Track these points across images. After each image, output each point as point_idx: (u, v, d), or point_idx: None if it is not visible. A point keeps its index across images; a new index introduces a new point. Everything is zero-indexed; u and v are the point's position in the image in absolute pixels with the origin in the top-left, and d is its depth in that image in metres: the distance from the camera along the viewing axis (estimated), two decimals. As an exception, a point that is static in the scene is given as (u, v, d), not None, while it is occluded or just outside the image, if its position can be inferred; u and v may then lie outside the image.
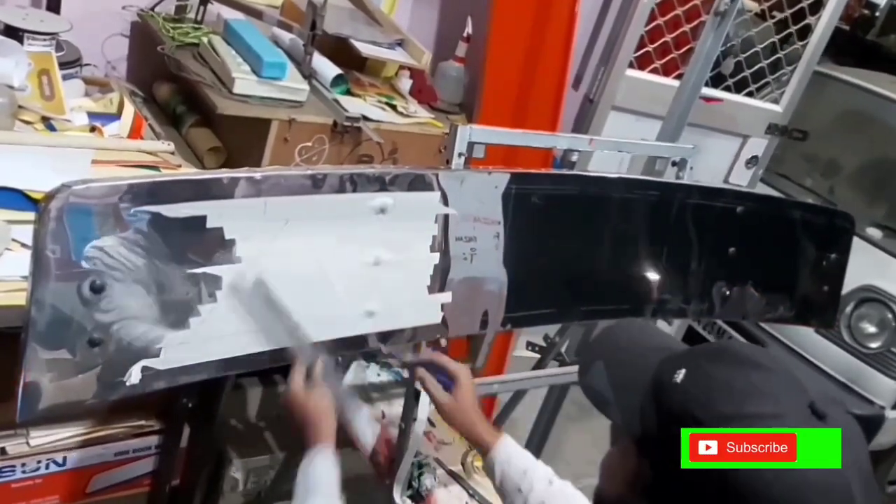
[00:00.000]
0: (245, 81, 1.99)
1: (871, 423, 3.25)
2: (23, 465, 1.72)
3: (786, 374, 0.90)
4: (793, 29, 3.10)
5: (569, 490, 1.41)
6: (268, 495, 2.31)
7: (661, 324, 2.18)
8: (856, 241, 2.29)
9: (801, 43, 3.11)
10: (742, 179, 3.23)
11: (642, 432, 0.94)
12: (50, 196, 1.13)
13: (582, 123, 2.79)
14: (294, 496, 1.31)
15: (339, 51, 2.29)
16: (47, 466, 1.75)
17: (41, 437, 1.70)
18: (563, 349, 2.33)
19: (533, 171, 1.69)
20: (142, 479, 1.91)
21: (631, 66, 2.75)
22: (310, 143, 2.03)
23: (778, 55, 3.13)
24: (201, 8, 2.28)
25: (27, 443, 1.69)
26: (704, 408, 0.87)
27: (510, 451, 1.46)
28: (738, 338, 3.54)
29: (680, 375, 0.92)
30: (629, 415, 0.96)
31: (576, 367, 2.19)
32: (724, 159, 3.19)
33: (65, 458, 1.76)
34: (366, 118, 2.11)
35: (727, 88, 3.09)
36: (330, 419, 1.37)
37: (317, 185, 1.37)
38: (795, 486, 0.83)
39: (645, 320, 1.13)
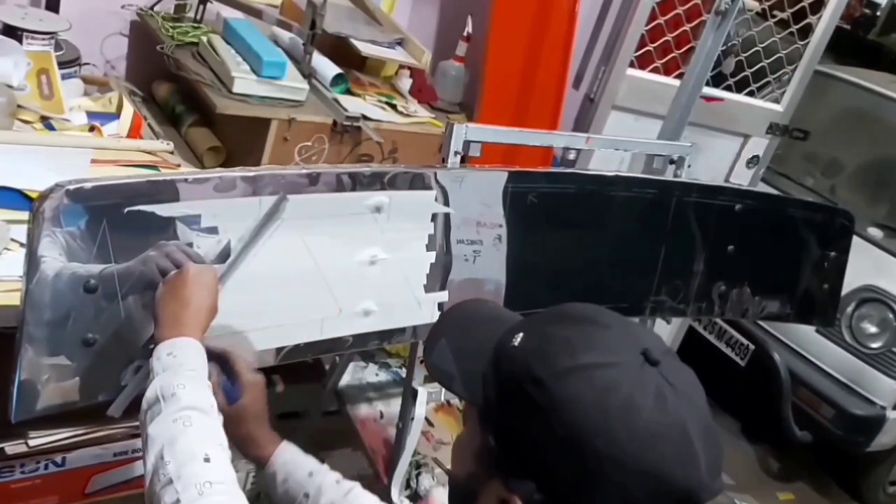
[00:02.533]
0: (244, 81, 1.99)
1: (872, 424, 3.24)
2: (21, 465, 1.71)
3: (620, 327, 0.92)
4: (794, 28, 3.09)
5: (358, 489, 1.29)
6: (268, 495, 2.31)
7: (660, 323, 2.17)
8: (856, 241, 2.28)
9: (801, 42, 3.10)
10: (743, 179, 3.22)
11: (484, 401, 0.93)
12: (44, 196, 1.13)
13: (583, 123, 2.79)
14: (156, 369, 1.10)
15: (339, 50, 2.29)
16: (46, 467, 1.74)
17: (40, 438, 1.70)
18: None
19: (531, 169, 1.69)
20: (141, 479, 1.90)
21: (632, 65, 2.75)
22: (309, 143, 2.03)
23: (779, 54, 3.12)
24: (200, 7, 2.28)
25: (26, 443, 1.68)
26: (542, 365, 0.87)
27: (293, 455, 1.32)
28: (739, 338, 3.53)
29: (518, 339, 0.92)
30: (472, 387, 0.95)
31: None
32: (724, 159, 3.18)
33: (64, 459, 1.76)
34: (366, 118, 2.11)
35: (728, 88, 3.08)
36: (209, 314, 1.20)
37: (312, 183, 1.37)
38: (637, 434, 0.82)
39: (487, 300, 1.10)
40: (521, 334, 0.93)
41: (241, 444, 1.30)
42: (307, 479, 1.29)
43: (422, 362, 1.67)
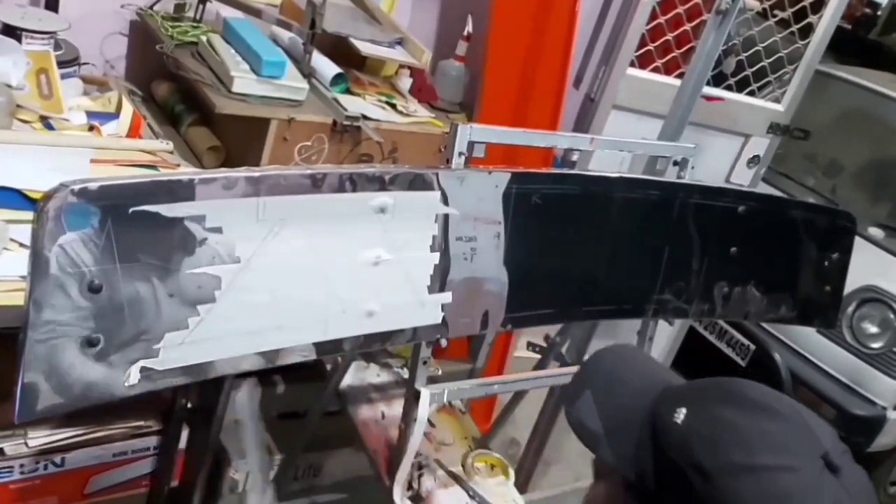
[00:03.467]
0: (244, 80, 1.98)
1: (872, 424, 3.24)
2: (21, 465, 1.71)
3: (798, 421, 0.84)
4: (794, 28, 3.09)
5: None
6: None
7: (661, 324, 2.17)
8: (858, 240, 2.28)
9: (802, 42, 3.10)
10: (743, 179, 3.22)
11: (636, 476, 0.86)
12: (48, 196, 1.12)
13: (583, 123, 2.79)
14: None
15: (339, 49, 2.29)
16: (45, 467, 1.74)
17: (39, 438, 1.70)
18: (563, 349, 2.33)
19: (533, 170, 1.68)
20: (140, 479, 1.90)
21: (632, 64, 2.75)
22: (309, 143, 2.03)
23: (779, 54, 3.12)
24: (200, 6, 2.28)
25: (25, 443, 1.68)
26: (711, 456, 0.80)
27: None
28: (740, 339, 3.53)
29: (681, 415, 0.85)
30: (622, 455, 0.88)
31: (577, 368, 2.20)
32: (725, 159, 3.18)
33: (63, 459, 1.75)
34: (365, 117, 2.11)
35: (728, 87, 3.08)
36: None
37: (316, 184, 1.36)
38: None
39: (635, 346, 1.01)
40: (683, 410, 0.85)
41: None
42: None
43: (425, 363, 1.66)
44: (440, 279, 1.56)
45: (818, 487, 0.78)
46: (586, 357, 1.02)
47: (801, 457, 0.80)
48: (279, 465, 2.32)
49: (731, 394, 0.87)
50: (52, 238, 1.13)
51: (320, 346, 1.43)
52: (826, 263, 2.19)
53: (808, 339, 3.40)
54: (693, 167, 2.00)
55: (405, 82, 2.46)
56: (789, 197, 3.25)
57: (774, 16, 3.09)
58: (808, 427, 0.83)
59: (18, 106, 1.81)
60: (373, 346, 1.56)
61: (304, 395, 2.25)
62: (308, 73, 2.14)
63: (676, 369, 1.28)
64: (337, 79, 2.22)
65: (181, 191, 1.23)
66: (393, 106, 2.27)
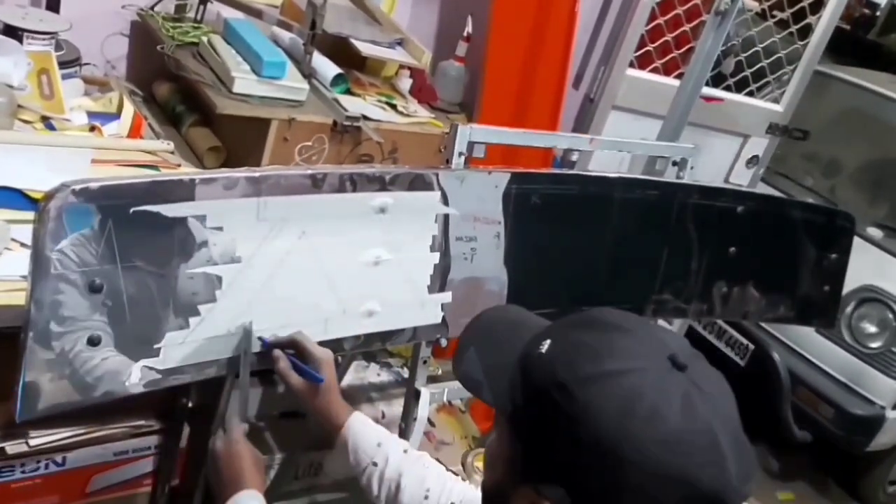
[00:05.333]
0: (245, 81, 1.99)
1: (871, 423, 3.24)
2: (22, 465, 1.71)
3: (646, 332, 0.91)
4: (793, 28, 3.10)
5: (426, 459, 1.36)
6: (267, 495, 2.31)
7: (661, 324, 2.18)
8: (856, 240, 2.28)
9: (801, 42, 3.10)
10: (743, 179, 3.23)
11: (512, 408, 0.92)
12: (49, 196, 1.13)
13: (582, 123, 2.79)
14: None
15: (339, 50, 2.29)
16: (46, 466, 1.74)
17: (40, 438, 1.69)
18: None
19: (533, 170, 1.69)
20: (142, 479, 1.90)
21: (631, 65, 2.75)
22: (310, 143, 2.03)
23: (778, 54, 3.13)
24: (201, 7, 2.28)
25: (26, 443, 1.68)
26: (567, 371, 0.86)
27: (363, 425, 1.37)
28: (739, 338, 3.54)
29: (545, 346, 0.92)
30: (500, 395, 0.94)
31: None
32: (724, 159, 3.19)
33: (64, 459, 1.75)
34: (366, 117, 2.11)
35: (728, 88, 3.09)
36: (255, 464, 1.30)
37: (316, 184, 1.37)
38: (664, 439, 0.82)
39: (518, 306, 1.08)
40: (548, 341, 0.92)
41: (319, 416, 1.38)
42: (375, 448, 1.34)
43: (425, 362, 1.67)
44: (440, 279, 1.57)
45: (665, 382, 0.84)
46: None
47: (646, 359, 0.86)
48: (279, 464, 2.32)
49: (587, 320, 0.95)
50: (53, 238, 1.13)
51: (321, 346, 1.43)
52: (825, 263, 2.20)
53: (808, 338, 3.40)
54: (692, 167, 2.01)
55: (405, 83, 2.46)
56: (788, 197, 3.25)
57: (773, 16, 3.10)
58: (655, 336, 0.91)
59: (20, 106, 1.81)
60: (373, 346, 1.56)
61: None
62: (308, 74, 2.15)
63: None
64: (337, 79, 2.22)
65: (182, 191, 1.24)
66: (393, 106, 2.27)
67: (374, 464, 1.33)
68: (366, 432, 1.36)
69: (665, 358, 0.86)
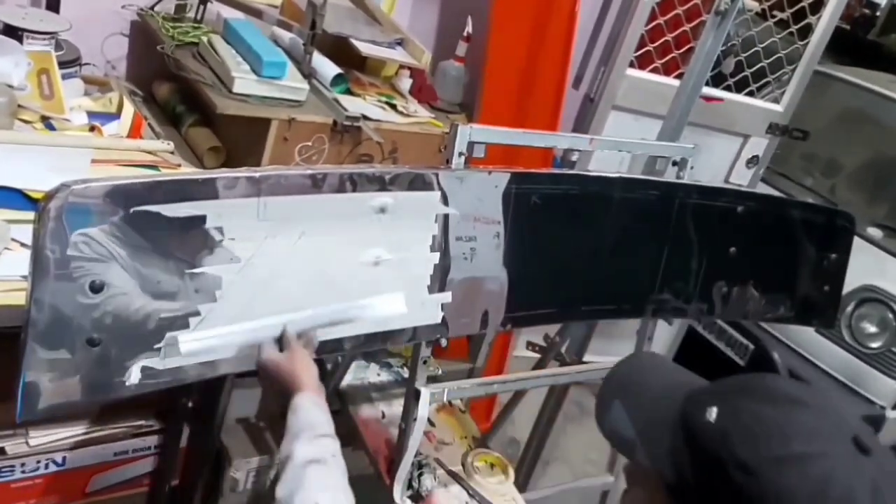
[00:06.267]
0: (245, 81, 1.99)
1: (871, 423, 3.24)
2: (22, 465, 1.71)
3: (827, 408, 0.86)
4: (793, 28, 3.10)
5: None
6: (268, 495, 2.31)
7: (660, 324, 2.18)
8: (856, 240, 2.28)
9: (801, 42, 3.11)
10: (743, 179, 3.23)
11: (676, 478, 0.88)
12: (49, 196, 1.13)
13: (582, 123, 2.80)
14: (284, 438, 1.22)
15: (339, 50, 2.29)
16: (47, 466, 1.74)
17: (40, 437, 1.70)
18: (563, 349, 2.33)
19: (533, 170, 1.69)
20: (141, 478, 1.91)
21: (631, 65, 2.75)
22: (309, 143, 2.03)
23: (778, 54, 3.13)
24: (201, 7, 2.28)
25: (27, 443, 1.69)
26: (750, 450, 0.81)
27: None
28: (739, 338, 3.53)
29: (713, 414, 0.86)
30: (659, 458, 0.90)
31: (576, 367, 2.20)
32: (724, 159, 3.19)
33: (64, 458, 1.76)
34: (366, 117, 2.11)
35: (728, 88, 3.09)
36: (312, 370, 1.31)
37: (316, 184, 1.37)
38: None
39: (654, 352, 1.03)
40: (714, 409, 0.87)
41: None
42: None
43: (425, 362, 1.67)
44: (440, 279, 1.57)
45: (855, 469, 0.80)
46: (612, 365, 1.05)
47: (834, 442, 0.82)
48: (278, 463, 2.32)
49: (758, 388, 0.89)
50: (54, 238, 1.13)
51: (320, 346, 1.43)
52: (825, 263, 2.20)
53: (807, 338, 3.40)
54: (692, 167, 2.01)
55: (405, 83, 2.46)
56: (788, 197, 3.25)
57: (773, 16, 3.10)
58: (836, 413, 0.85)
59: (20, 106, 1.81)
60: (373, 346, 1.56)
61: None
62: (308, 74, 2.15)
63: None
64: (337, 79, 2.22)
65: (182, 191, 1.24)
66: (393, 106, 2.27)
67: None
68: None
69: (850, 440, 0.82)
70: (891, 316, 3.29)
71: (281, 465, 1.17)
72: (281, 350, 1.34)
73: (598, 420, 1.00)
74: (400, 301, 1.50)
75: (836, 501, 0.78)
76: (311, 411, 1.24)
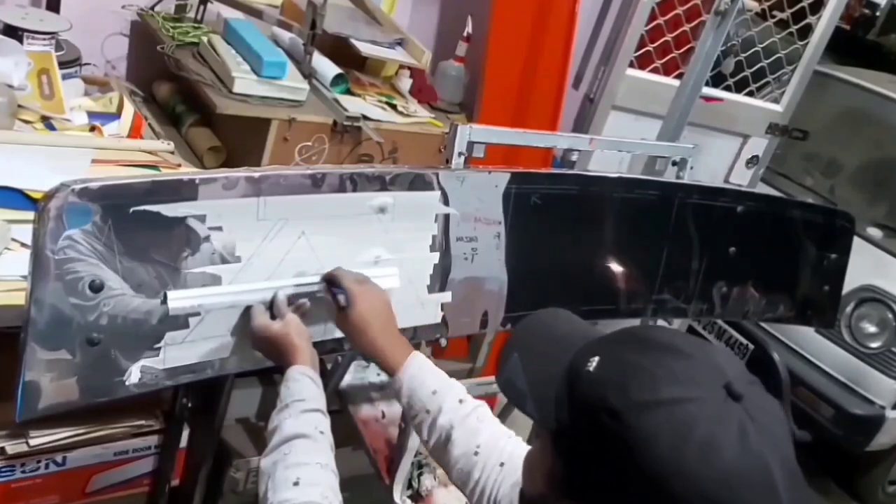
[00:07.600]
0: (245, 81, 1.99)
1: (871, 423, 3.24)
2: (22, 465, 1.71)
3: (701, 356, 0.87)
4: (793, 28, 3.10)
5: (482, 411, 1.29)
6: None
7: (661, 324, 2.18)
8: (856, 240, 2.28)
9: (801, 42, 3.10)
10: (742, 179, 3.23)
11: (557, 425, 0.89)
12: (49, 195, 1.13)
13: (582, 123, 2.79)
14: (275, 407, 1.22)
15: (339, 50, 2.29)
16: (47, 466, 1.74)
17: (40, 437, 1.70)
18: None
19: (533, 170, 1.69)
20: (141, 479, 1.90)
21: (631, 65, 2.75)
22: (310, 143, 2.03)
23: (778, 55, 3.13)
24: (201, 7, 2.28)
25: (26, 443, 1.68)
26: (619, 395, 0.83)
27: (419, 370, 1.31)
28: (739, 338, 3.54)
29: (594, 363, 0.88)
30: (544, 408, 0.91)
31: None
32: (724, 159, 3.19)
33: (64, 458, 1.76)
34: (366, 117, 2.11)
35: (727, 88, 3.09)
36: (305, 339, 1.30)
37: (316, 184, 1.37)
38: (716, 476, 0.79)
39: (562, 309, 1.03)
40: (596, 358, 0.88)
41: (369, 355, 1.35)
42: (430, 396, 1.29)
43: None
44: (440, 279, 1.57)
45: (721, 414, 0.81)
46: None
47: (703, 388, 0.83)
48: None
49: (639, 338, 0.91)
50: (54, 238, 1.13)
51: (320, 345, 1.43)
52: (825, 263, 2.20)
53: (807, 338, 3.40)
54: (692, 167, 2.01)
55: (405, 83, 2.46)
56: (788, 197, 3.25)
57: (773, 16, 3.10)
58: (711, 361, 0.86)
59: (20, 106, 1.81)
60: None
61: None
62: (308, 74, 2.15)
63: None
64: (337, 79, 2.22)
65: (182, 191, 1.24)
66: (393, 106, 2.27)
67: (427, 412, 1.28)
68: (422, 378, 1.30)
69: (721, 386, 0.83)
70: (890, 316, 3.29)
71: (269, 435, 1.17)
72: (273, 318, 1.32)
73: (496, 371, 1.01)
74: (394, 277, 1.48)
75: (698, 444, 0.79)
76: (302, 383, 1.23)
